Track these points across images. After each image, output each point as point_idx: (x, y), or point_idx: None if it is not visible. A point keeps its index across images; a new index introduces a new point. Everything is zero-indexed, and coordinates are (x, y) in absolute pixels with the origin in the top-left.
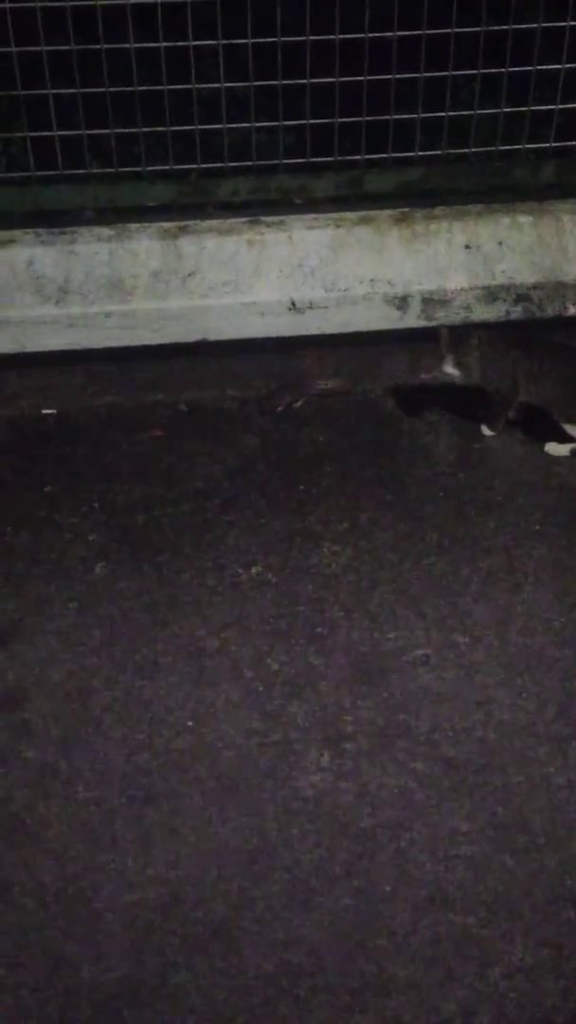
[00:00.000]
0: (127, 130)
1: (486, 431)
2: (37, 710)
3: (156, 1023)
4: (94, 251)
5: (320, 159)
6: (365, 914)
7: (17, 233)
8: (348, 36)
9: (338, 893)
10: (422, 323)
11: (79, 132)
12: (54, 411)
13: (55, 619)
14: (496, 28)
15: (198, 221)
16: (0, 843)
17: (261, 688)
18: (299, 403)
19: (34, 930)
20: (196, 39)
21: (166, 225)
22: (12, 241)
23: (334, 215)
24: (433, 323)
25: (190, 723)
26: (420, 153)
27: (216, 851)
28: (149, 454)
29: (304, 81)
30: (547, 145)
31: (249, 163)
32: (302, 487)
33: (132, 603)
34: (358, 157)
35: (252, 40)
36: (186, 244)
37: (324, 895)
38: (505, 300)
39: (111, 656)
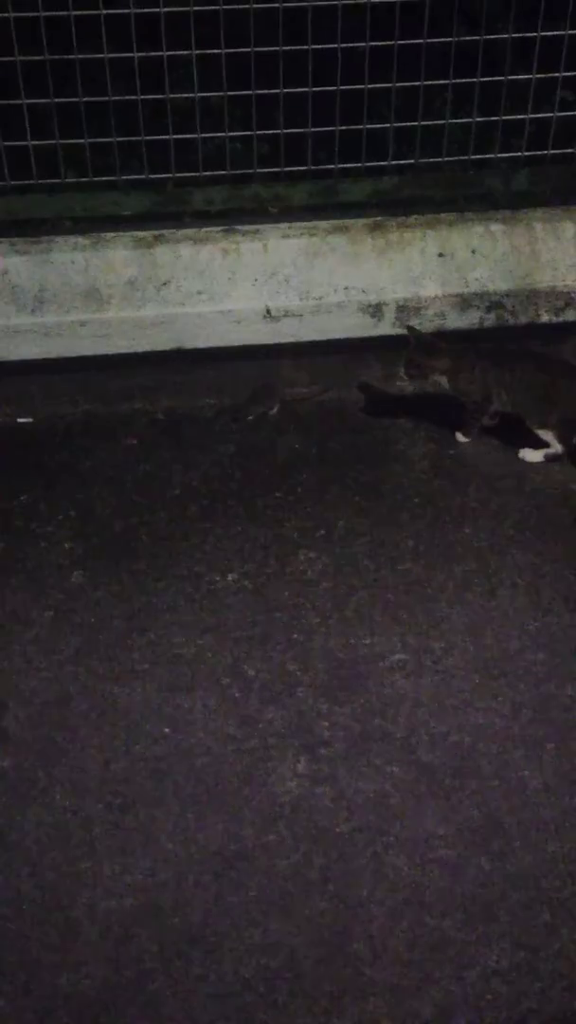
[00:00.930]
0: (102, 139)
1: (461, 438)
2: (14, 718)
3: None
4: (70, 260)
5: (294, 168)
6: (342, 918)
7: None
8: (321, 46)
9: (315, 898)
10: (396, 331)
11: (54, 142)
12: (30, 420)
13: (31, 627)
14: (467, 39)
15: (174, 230)
16: None
17: (238, 694)
18: (274, 410)
19: (10, 938)
20: (170, 49)
21: (141, 234)
22: None
23: (308, 224)
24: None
25: (167, 730)
26: (393, 162)
27: (193, 857)
28: (126, 462)
29: (278, 91)
30: (519, 154)
31: (223, 172)
32: (278, 494)
33: (109, 611)
34: (332, 166)
35: (226, 50)
36: (161, 253)
37: (301, 900)
38: (479, 308)
39: (88, 664)
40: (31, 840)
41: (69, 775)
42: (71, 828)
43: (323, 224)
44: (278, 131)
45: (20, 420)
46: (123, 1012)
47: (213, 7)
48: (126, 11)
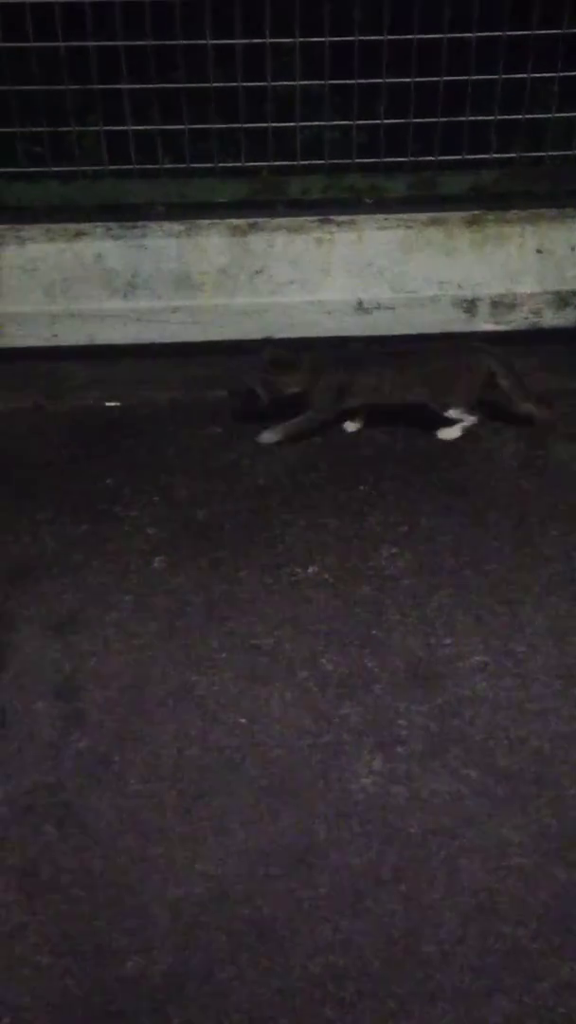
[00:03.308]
0: (201, 126)
1: (351, 427)
2: (92, 700)
3: (200, 1018)
4: (163, 246)
5: (393, 159)
6: (413, 920)
7: (88, 227)
8: (426, 36)
9: (386, 898)
10: (490, 326)
11: (153, 127)
12: (118, 404)
13: (112, 610)
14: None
15: (268, 219)
16: (51, 831)
17: (315, 688)
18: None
19: (82, 919)
20: (274, 36)
21: (236, 222)
22: (83, 234)
23: (404, 216)
24: (502, 327)
25: (243, 720)
26: (495, 155)
27: (265, 849)
28: (211, 450)
29: (380, 80)
30: None
31: (321, 161)
32: (362, 488)
33: (188, 598)
34: (432, 158)
35: (329, 38)
36: (255, 241)
37: (372, 899)
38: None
39: (166, 650)
40: (104, 823)
41: (144, 760)
42: (144, 813)
43: (420, 216)
44: (378, 121)
45: (108, 404)
46: (190, 1000)
47: None
48: None
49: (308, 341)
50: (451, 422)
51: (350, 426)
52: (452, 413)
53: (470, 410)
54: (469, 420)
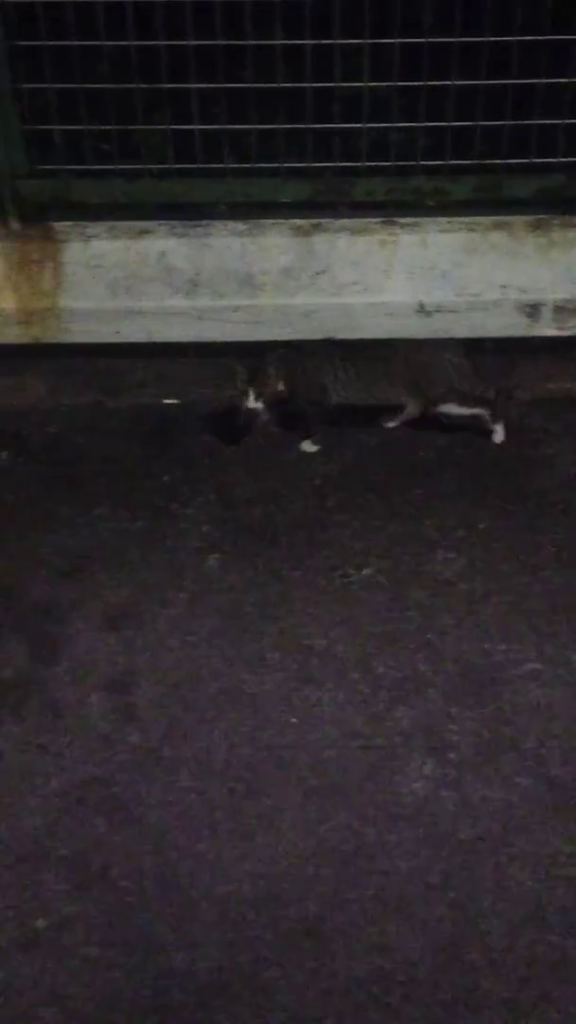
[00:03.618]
0: (267, 126)
1: (308, 447)
2: (144, 695)
3: (245, 1016)
4: (227, 245)
5: (459, 162)
6: (461, 927)
7: (152, 225)
8: (497, 39)
9: (435, 903)
10: (553, 331)
11: (219, 127)
12: (176, 401)
13: (166, 607)
14: None
15: (332, 219)
16: (101, 823)
17: (367, 690)
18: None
19: (130, 912)
20: (343, 38)
21: (299, 222)
22: (147, 232)
23: (468, 219)
24: (565, 332)
25: (294, 720)
26: (562, 159)
27: (313, 850)
28: (267, 449)
29: (448, 83)
30: None
31: (387, 163)
32: (419, 491)
33: (242, 596)
34: (498, 161)
35: (399, 40)
36: (318, 242)
37: (420, 904)
38: None
39: (219, 648)
40: (154, 817)
41: (194, 756)
42: (194, 809)
43: (484, 220)
44: (445, 123)
45: (166, 401)
46: (235, 996)
47: None
48: None
49: (368, 343)
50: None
51: (307, 446)
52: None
53: (473, 404)
54: (411, 411)
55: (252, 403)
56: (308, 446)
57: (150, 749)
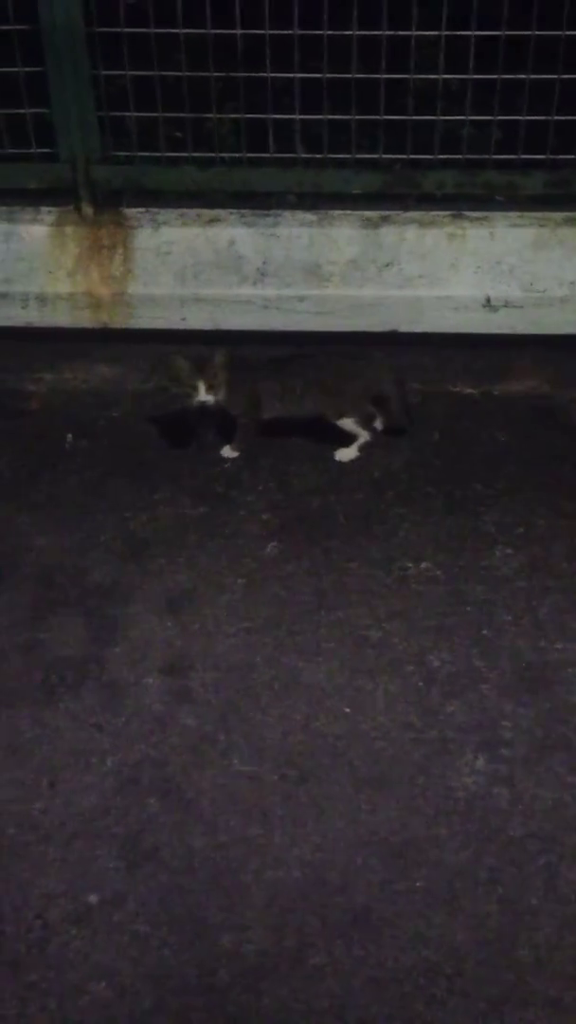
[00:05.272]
0: (340, 117)
1: (228, 452)
2: (199, 679)
3: (291, 1000)
4: (295, 235)
5: (532, 156)
6: (509, 923)
7: (222, 213)
8: (573, 32)
9: (483, 898)
10: None
11: (293, 116)
12: None
13: (224, 592)
14: None
15: (400, 212)
16: (154, 804)
17: (421, 684)
18: (478, 400)
19: (180, 892)
20: (419, 29)
21: (368, 214)
22: (217, 220)
23: (539, 214)
24: None
25: (347, 709)
26: None
27: (363, 839)
28: (326, 440)
29: (523, 76)
30: None
31: (458, 156)
32: (479, 486)
33: (299, 585)
34: (572, 156)
35: (476, 32)
36: (386, 234)
37: (468, 898)
38: None
39: (275, 635)
40: (207, 800)
41: (248, 741)
42: (245, 794)
43: (554, 216)
44: (519, 117)
45: None
46: (282, 980)
47: None
48: None
49: (433, 336)
50: (348, 441)
51: (227, 451)
52: (344, 425)
53: (365, 425)
54: (364, 437)
55: (203, 395)
56: (228, 452)
57: (204, 733)
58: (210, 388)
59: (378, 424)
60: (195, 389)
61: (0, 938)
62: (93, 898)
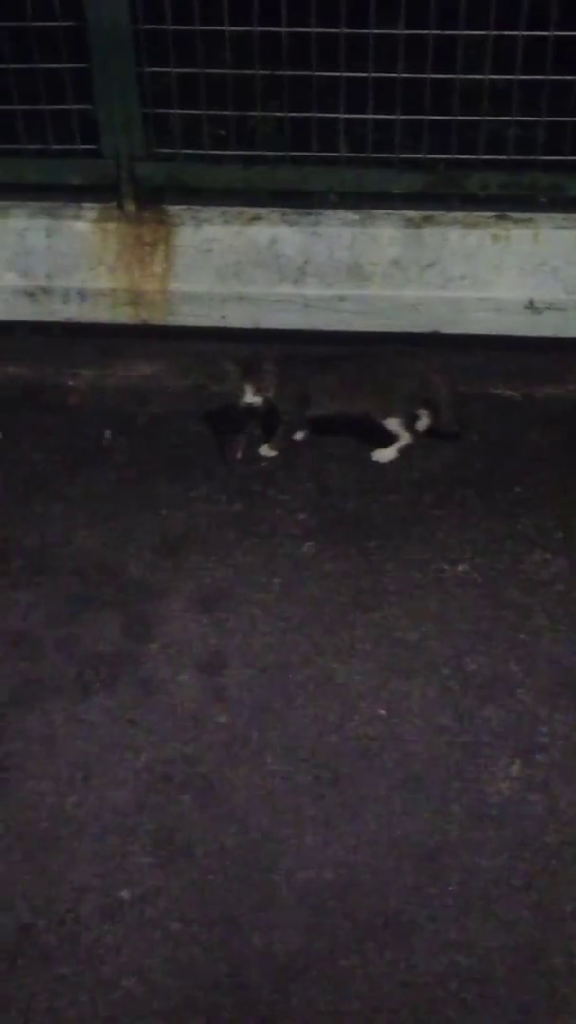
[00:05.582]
0: (384, 116)
1: (266, 451)
2: (234, 677)
3: (321, 1001)
4: (337, 234)
5: None
6: (542, 930)
7: (263, 211)
8: None
9: (516, 904)
10: None
11: (337, 115)
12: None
13: (260, 591)
14: None
15: (443, 212)
16: (187, 801)
17: (456, 687)
18: (520, 403)
19: (211, 890)
20: (467, 28)
21: (411, 214)
22: (258, 219)
23: None
24: None
25: (382, 712)
26: None
27: (396, 842)
28: (365, 440)
29: (571, 77)
30: None
31: (503, 157)
32: (518, 489)
33: (335, 585)
34: None
35: (524, 32)
36: (429, 234)
37: (502, 904)
38: None
39: (310, 635)
40: (240, 798)
41: (281, 741)
42: (278, 793)
43: None
44: (566, 119)
45: None
46: (312, 981)
47: None
48: None
49: (475, 338)
50: (387, 442)
51: (265, 450)
52: (389, 424)
53: (408, 427)
54: (405, 439)
55: (250, 398)
56: (266, 450)
57: (238, 731)
58: (258, 391)
59: (419, 426)
60: (242, 392)
61: (32, 931)
62: (125, 893)
